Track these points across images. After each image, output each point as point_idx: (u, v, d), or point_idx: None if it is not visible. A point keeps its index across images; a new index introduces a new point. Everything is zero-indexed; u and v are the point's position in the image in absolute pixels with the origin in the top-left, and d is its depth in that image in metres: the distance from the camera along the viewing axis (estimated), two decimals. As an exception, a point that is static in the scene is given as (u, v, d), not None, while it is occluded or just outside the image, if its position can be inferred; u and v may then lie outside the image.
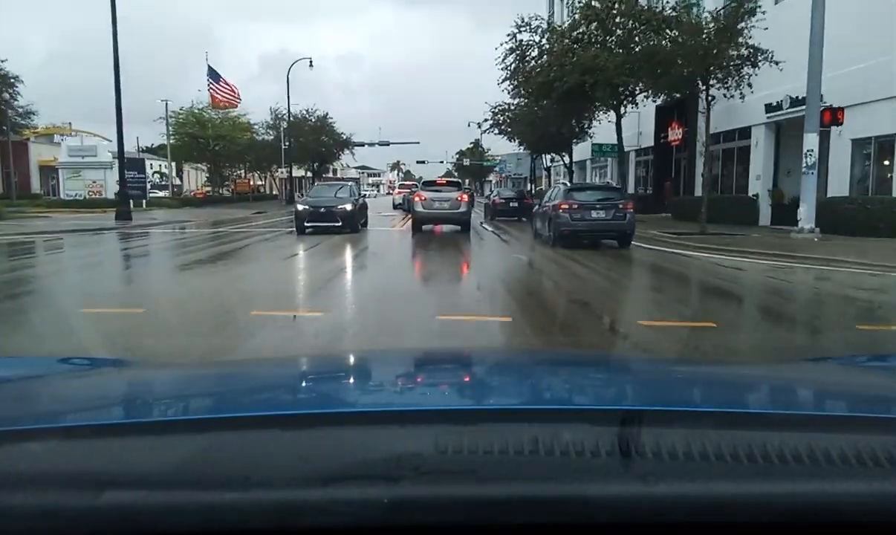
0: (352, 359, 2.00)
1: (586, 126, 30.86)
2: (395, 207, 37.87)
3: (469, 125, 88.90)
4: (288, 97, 48.49)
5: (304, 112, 53.81)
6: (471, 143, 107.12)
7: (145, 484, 0.65)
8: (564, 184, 20.11)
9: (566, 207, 14.49)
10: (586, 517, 0.64)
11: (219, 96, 47.57)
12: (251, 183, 52.69)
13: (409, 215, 22.15)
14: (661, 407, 0.96)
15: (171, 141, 46.05)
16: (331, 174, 67.59)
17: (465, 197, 21.99)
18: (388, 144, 66.28)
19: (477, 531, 0.64)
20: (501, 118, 39.37)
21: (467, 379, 1.43)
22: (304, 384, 1.35)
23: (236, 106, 47.16)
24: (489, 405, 1.03)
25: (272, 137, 50.48)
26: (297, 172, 61.17)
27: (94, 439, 0.77)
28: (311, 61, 47.82)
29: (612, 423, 0.73)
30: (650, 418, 0.77)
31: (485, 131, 40.94)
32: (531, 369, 1.51)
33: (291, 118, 51.44)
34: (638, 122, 29.23)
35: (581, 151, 37.31)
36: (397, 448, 0.69)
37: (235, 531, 0.64)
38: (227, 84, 46.87)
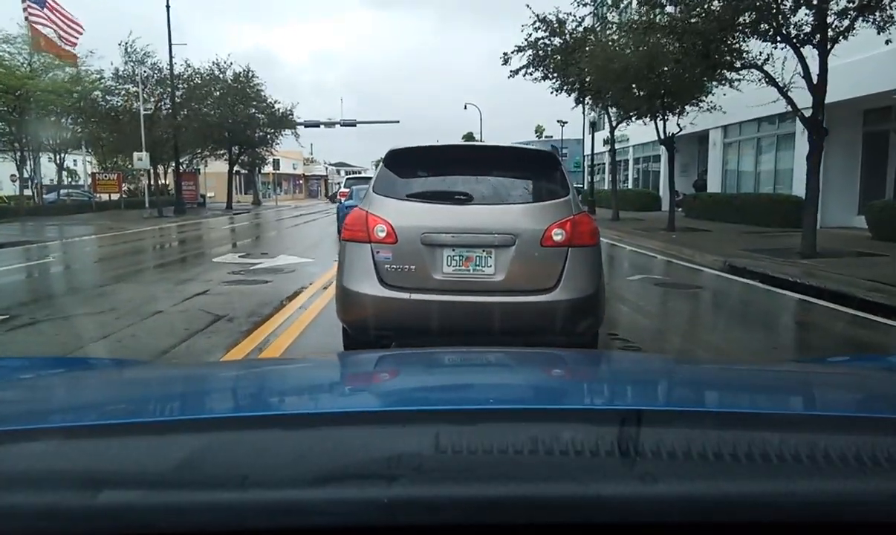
0: (351, 359, 1.93)
1: None
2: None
3: (466, 107, 67.01)
4: (169, 30, 28.40)
5: (211, 66, 33.62)
6: (463, 135, 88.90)
7: (144, 484, 0.64)
8: None
9: None
10: (586, 517, 0.64)
11: (46, 31, 27.60)
12: (121, 180, 32.33)
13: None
14: (660, 407, 0.97)
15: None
16: (271, 168, 47.12)
17: (587, 226, 3.42)
18: (353, 123, 46.05)
19: (477, 530, 0.64)
20: (553, 46, 19.81)
21: (467, 379, 1.40)
22: (302, 384, 1.35)
23: (74, 43, 26.96)
24: (489, 405, 0.99)
25: (150, 106, 29.89)
26: (218, 167, 41.01)
27: (94, 438, 0.77)
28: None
29: (611, 423, 0.73)
30: (650, 417, 0.77)
31: (516, 72, 21.30)
32: (531, 369, 1.51)
33: (188, 74, 31.36)
34: None
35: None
36: (397, 448, 0.68)
37: (235, 530, 0.63)
38: (62, 14, 26.74)
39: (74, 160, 48.13)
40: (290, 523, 0.62)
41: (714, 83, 15.55)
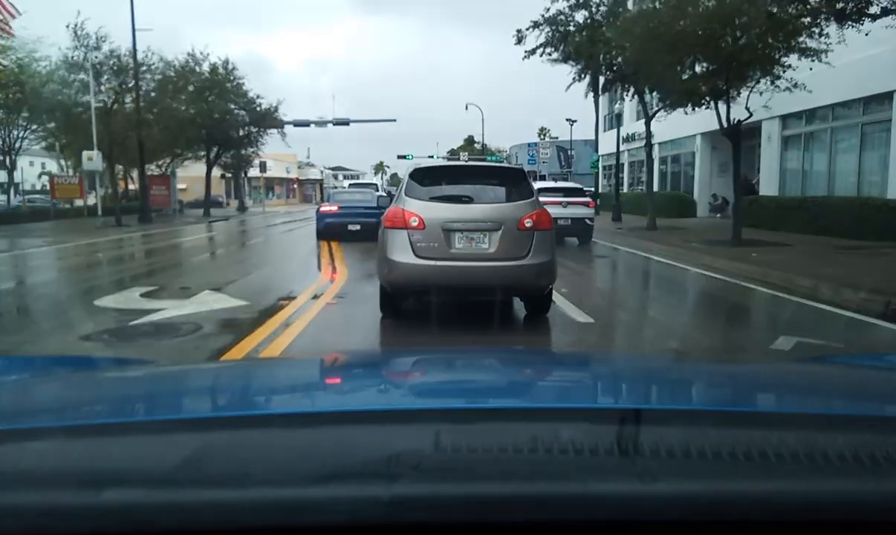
0: (352, 358, 1.90)
1: None
2: (321, 234, 14.89)
3: (467, 108, 63.14)
4: (132, 10, 24.73)
5: (187, 58, 30.00)
6: (465, 138, 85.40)
7: (145, 483, 0.64)
8: None
9: None
10: (585, 516, 0.64)
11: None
12: (83, 183, 28.58)
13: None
14: (659, 406, 0.96)
15: None
16: (258, 171, 43.38)
17: (546, 217, 5.99)
18: (346, 122, 42.29)
19: (477, 529, 0.64)
20: (575, 22, 16.28)
21: (467, 378, 1.40)
22: (303, 384, 1.34)
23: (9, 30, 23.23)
24: (488, 405, 1.00)
25: (105, 98, 26.04)
26: (198, 173, 37.26)
27: (95, 438, 0.76)
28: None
29: (610, 422, 0.73)
30: (649, 416, 0.76)
31: (532, 52, 17.71)
32: (530, 368, 1.51)
33: (157, 65, 27.65)
34: None
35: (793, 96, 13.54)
36: (397, 447, 0.68)
37: (235, 529, 0.62)
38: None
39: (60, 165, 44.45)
40: (291, 521, 0.62)
41: (797, 56, 11.91)
